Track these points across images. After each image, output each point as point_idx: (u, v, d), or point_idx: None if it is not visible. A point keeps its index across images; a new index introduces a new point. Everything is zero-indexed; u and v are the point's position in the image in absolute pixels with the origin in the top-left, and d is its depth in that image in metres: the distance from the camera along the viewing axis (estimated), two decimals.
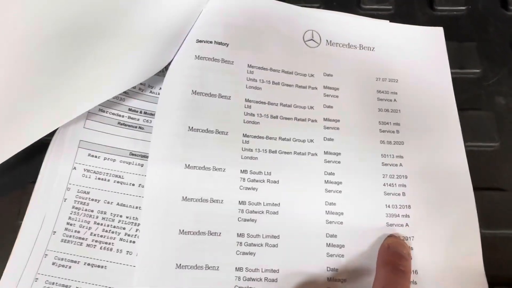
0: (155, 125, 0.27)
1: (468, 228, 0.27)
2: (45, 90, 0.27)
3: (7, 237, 0.25)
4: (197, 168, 0.26)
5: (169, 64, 0.29)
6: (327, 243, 0.26)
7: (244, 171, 0.27)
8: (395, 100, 0.31)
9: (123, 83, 0.27)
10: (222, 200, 0.26)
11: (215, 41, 0.29)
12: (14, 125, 0.26)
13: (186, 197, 0.26)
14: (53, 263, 0.25)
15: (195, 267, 0.24)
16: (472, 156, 0.29)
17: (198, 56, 0.29)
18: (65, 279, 0.25)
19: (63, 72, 0.27)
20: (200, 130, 0.27)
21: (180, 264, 0.24)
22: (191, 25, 0.30)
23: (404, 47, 0.32)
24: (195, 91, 0.28)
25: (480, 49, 0.33)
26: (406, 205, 0.28)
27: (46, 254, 0.25)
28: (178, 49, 0.29)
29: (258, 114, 0.28)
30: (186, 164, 0.26)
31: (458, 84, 0.31)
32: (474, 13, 0.35)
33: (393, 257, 0.25)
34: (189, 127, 0.27)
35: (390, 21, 0.33)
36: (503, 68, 0.33)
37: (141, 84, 0.30)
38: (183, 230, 0.25)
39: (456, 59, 0.32)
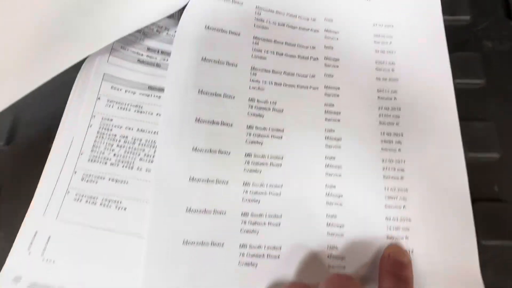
0: (172, 56, 0.30)
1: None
2: (72, 24, 0.30)
3: (39, 158, 0.28)
4: (209, 94, 0.29)
5: (184, 7, 0.32)
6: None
7: (252, 99, 0.30)
8: (390, 42, 0.33)
9: (140, 20, 0.30)
10: (232, 124, 0.29)
11: None
12: (49, 53, 0.29)
13: (199, 119, 0.29)
14: (82, 179, 0.28)
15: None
16: (461, 94, 0.31)
17: None
18: (93, 191, 0.28)
19: (85, 11, 0.30)
20: (212, 61, 0.30)
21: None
22: None
23: None
24: (208, 26, 0.31)
25: None
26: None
27: (75, 171, 0.28)
28: None
29: (265, 50, 0.31)
30: (199, 90, 0.29)
31: (449, 30, 0.33)
32: None
33: (394, 266, 0.25)
34: (202, 57, 0.30)
35: None
36: (491, 15, 0.35)
37: (158, 26, 0.33)
38: (196, 147, 0.28)
39: (448, 6, 0.34)
